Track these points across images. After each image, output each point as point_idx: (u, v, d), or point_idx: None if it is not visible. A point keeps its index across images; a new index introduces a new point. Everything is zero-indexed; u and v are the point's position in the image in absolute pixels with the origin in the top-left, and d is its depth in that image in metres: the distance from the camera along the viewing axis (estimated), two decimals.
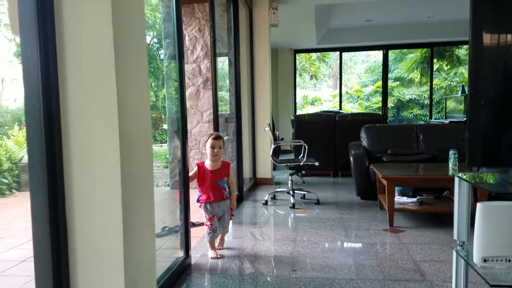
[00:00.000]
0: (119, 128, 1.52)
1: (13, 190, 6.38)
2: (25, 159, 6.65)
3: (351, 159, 5.28)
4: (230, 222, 3.53)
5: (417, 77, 15.04)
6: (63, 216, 1.53)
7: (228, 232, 3.50)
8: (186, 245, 3.16)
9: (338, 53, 10.63)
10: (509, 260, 1.64)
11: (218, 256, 3.28)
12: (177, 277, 2.87)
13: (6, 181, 6.33)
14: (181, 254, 3.13)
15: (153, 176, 1.94)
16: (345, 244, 3.63)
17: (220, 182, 3.29)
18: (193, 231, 3.45)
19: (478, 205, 1.66)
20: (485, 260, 1.66)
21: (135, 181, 1.67)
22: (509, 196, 1.61)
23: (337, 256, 3.34)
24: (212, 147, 3.24)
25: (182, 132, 3.17)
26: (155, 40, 11.61)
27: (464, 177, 1.85)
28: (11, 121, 10.64)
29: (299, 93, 15.15)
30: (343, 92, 12.19)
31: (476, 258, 1.68)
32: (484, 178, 1.86)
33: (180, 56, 3.06)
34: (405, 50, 14.48)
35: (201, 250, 3.42)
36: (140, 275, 1.73)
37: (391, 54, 14.39)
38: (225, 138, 6.02)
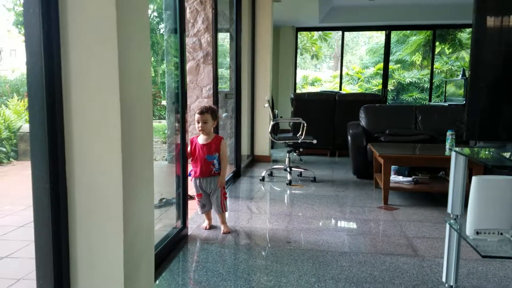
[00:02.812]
0: (120, 92, 1.52)
1: (11, 159, 6.40)
2: (23, 128, 6.65)
3: (349, 138, 5.30)
4: (227, 201, 3.36)
5: (418, 60, 14.95)
6: (63, 179, 1.53)
7: (223, 212, 3.29)
8: (183, 216, 3.20)
9: (340, 33, 10.53)
10: (501, 233, 1.68)
11: (207, 227, 3.30)
12: (174, 246, 2.92)
13: (4, 149, 6.34)
14: (178, 224, 3.17)
15: (153, 145, 1.95)
16: (340, 220, 3.67)
17: (208, 157, 3.20)
18: (190, 203, 3.48)
19: (474, 178, 1.68)
20: (477, 233, 1.69)
21: (135, 147, 1.68)
22: (505, 170, 1.63)
23: (331, 231, 3.38)
24: (197, 121, 3.18)
25: (182, 106, 3.16)
26: (155, 13, 11.45)
27: (461, 151, 1.87)
28: (9, 91, 10.60)
29: (300, 73, 15.07)
30: (343, 73, 12.13)
31: (469, 231, 1.72)
32: (481, 153, 1.88)
33: (181, 29, 3.03)
34: (408, 32, 14.35)
35: (198, 222, 3.46)
36: (138, 240, 1.76)
37: (394, 36, 14.26)
38: (224, 114, 6.02)
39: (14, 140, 6.60)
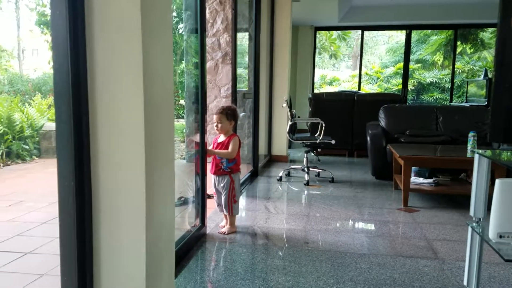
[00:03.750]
0: (144, 92, 1.54)
1: (33, 156, 6.54)
2: (46, 126, 6.79)
3: (368, 138, 5.25)
4: (237, 205, 3.27)
5: (439, 60, 14.71)
6: (88, 177, 1.57)
7: (232, 214, 3.24)
8: (202, 215, 3.22)
9: (359, 32, 10.44)
10: None
11: (222, 231, 3.24)
12: (192, 244, 2.94)
13: (27, 147, 6.49)
14: (197, 222, 3.20)
15: (174, 142, 1.97)
16: (358, 221, 3.65)
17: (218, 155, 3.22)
18: (208, 202, 3.50)
19: (497, 181, 1.65)
20: (500, 236, 1.66)
21: (157, 145, 1.70)
22: None
23: (349, 232, 3.36)
24: (215, 121, 3.26)
25: (201, 106, 3.18)
26: (174, 14, 11.55)
27: (484, 153, 1.84)
28: (32, 90, 10.84)
29: (317, 72, 14.99)
30: (362, 72, 12.02)
31: (491, 234, 1.69)
32: (503, 155, 1.85)
33: (202, 29, 3.05)
34: (429, 31, 14.13)
35: (216, 221, 3.47)
36: (160, 238, 1.78)
37: (414, 35, 14.07)
38: (242, 114, 6.03)
39: (37, 138, 6.74)
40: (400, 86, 12.31)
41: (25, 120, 6.67)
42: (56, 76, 1.45)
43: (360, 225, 3.59)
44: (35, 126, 6.79)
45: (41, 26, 12.68)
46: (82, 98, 1.51)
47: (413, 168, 4.24)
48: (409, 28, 10.09)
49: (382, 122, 5.56)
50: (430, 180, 4.24)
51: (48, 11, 11.95)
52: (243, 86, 6.19)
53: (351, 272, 2.56)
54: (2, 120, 6.28)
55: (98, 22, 1.50)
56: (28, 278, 2.42)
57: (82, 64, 1.51)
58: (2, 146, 6.06)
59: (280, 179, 5.14)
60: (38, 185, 4.99)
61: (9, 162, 6.09)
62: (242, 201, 4.12)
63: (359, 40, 10.51)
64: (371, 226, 3.50)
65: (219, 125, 3.20)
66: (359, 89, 10.75)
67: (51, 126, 6.80)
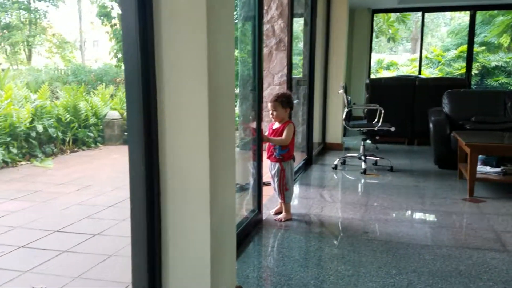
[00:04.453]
0: (208, 80, 1.57)
1: (98, 143, 6.89)
2: (109, 115, 7.11)
3: (431, 125, 5.02)
4: (289, 193, 3.27)
5: (506, 42, 13.73)
6: (156, 163, 1.63)
7: (285, 202, 3.24)
8: (258, 201, 3.24)
9: (419, 14, 9.95)
10: None
11: (278, 218, 3.23)
12: (249, 230, 2.97)
13: (91, 134, 6.84)
14: (253, 209, 3.23)
15: (235, 128, 1.99)
16: (420, 211, 3.52)
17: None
18: (264, 189, 3.51)
19: None
20: None
21: (220, 132, 1.73)
22: None
23: (411, 222, 3.26)
24: (270, 109, 3.24)
25: (258, 94, 3.18)
26: None
27: None
28: (94, 80, 11.38)
29: (374, 56, 14.49)
30: (422, 56, 11.46)
31: None
32: None
33: (259, 16, 3.03)
34: (495, 12, 13.20)
35: (271, 208, 3.48)
36: (223, 219, 1.82)
37: (478, 16, 13.19)
38: (295, 101, 5.97)
39: (101, 126, 7.09)
40: (463, 70, 11.65)
41: (90, 109, 7.03)
42: (127, 65, 1.51)
43: (422, 215, 3.47)
44: (99, 115, 7.13)
45: (102, 17, 13.23)
46: (150, 87, 1.55)
47: (479, 156, 4.00)
48: (473, 9, 9.46)
49: (446, 108, 5.29)
50: (498, 169, 3.99)
51: (108, 3, 12.44)
52: (296, 73, 6.11)
53: (414, 263, 2.47)
54: (69, 108, 6.64)
55: (166, 11, 1.53)
56: (98, 258, 2.57)
57: (151, 54, 1.55)
58: (69, 133, 6.43)
59: (335, 167, 5.05)
60: (103, 170, 5.25)
61: (75, 149, 6.46)
62: (297, 189, 4.10)
63: (419, 22, 10.02)
64: (434, 217, 3.36)
65: (274, 113, 3.19)
66: (419, 73, 10.28)
67: (113, 114, 7.12)
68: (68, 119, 6.49)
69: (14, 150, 5.39)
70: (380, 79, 7.12)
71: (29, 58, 16.42)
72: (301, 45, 6.08)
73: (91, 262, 2.51)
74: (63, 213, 3.45)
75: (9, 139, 5.41)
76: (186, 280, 1.73)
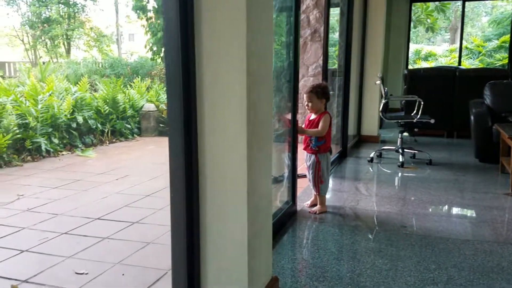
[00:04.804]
0: (247, 71, 1.58)
1: (134, 134, 7.05)
2: (145, 107, 7.26)
3: (472, 118, 4.84)
4: (325, 185, 3.22)
5: None
6: (195, 154, 1.66)
7: (320, 194, 3.21)
8: (293, 193, 3.23)
9: (459, 3, 9.58)
10: None
11: (313, 211, 3.21)
12: (284, 221, 2.97)
13: (129, 126, 7.00)
14: (288, 200, 3.22)
15: (272, 119, 1.98)
16: (460, 206, 3.41)
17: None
18: (299, 181, 3.49)
19: None
20: None
21: (258, 123, 1.73)
22: None
23: (451, 217, 3.17)
24: (304, 101, 3.21)
25: (293, 85, 3.16)
26: None
27: None
28: (130, 73, 11.62)
29: (411, 47, 14.10)
30: (462, 46, 11.04)
31: None
32: None
33: (296, 6, 3.00)
34: None
35: (305, 200, 3.46)
36: (260, 208, 1.83)
37: None
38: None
39: (137, 118, 7.24)
40: (505, 61, 11.16)
41: (127, 101, 7.19)
42: (167, 58, 1.54)
43: (462, 210, 3.36)
44: (136, 107, 7.29)
45: (137, 11, 13.47)
46: (190, 79, 1.57)
47: None
48: None
49: (488, 100, 5.08)
50: None
51: None
52: (330, 64, 6.02)
53: (454, 258, 2.41)
54: (108, 101, 6.82)
55: (206, 3, 1.54)
56: (137, 245, 2.64)
57: (191, 47, 1.57)
58: (107, 125, 6.61)
59: (371, 160, 4.96)
60: (139, 161, 5.38)
61: (113, 140, 6.64)
62: (331, 182, 4.05)
63: (459, 12, 9.64)
64: (474, 212, 3.25)
65: (309, 104, 3.16)
66: (459, 64, 9.92)
67: (149, 106, 7.26)
68: (107, 111, 6.67)
69: (56, 141, 5.59)
70: (419, 70, 6.92)
71: (68, 51, 16.94)
72: (335, 35, 5.98)
73: (131, 249, 2.58)
74: (103, 202, 3.56)
75: (51, 129, 5.62)
76: (224, 269, 1.75)
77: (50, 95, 5.97)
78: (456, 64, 10.01)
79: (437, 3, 13.66)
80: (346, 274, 2.23)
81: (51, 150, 5.44)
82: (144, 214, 3.22)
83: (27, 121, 5.36)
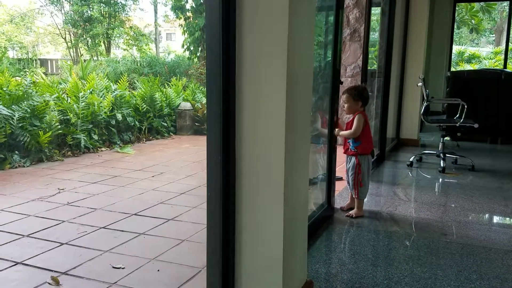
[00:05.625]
0: (287, 73, 1.56)
1: (170, 133, 7.16)
2: (181, 106, 7.35)
3: None
4: (364, 189, 3.14)
5: None
6: (233, 152, 1.65)
7: (359, 198, 3.13)
8: (329, 196, 3.17)
9: (506, 3, 9.16)
10: None
11: (349, 214, 3.14)
12: (319, 224, 2.92)
13: (165, 124, 7.11)
14: (323, 203, 3.17)
15: (310, 120, 1.95)
16: (505, 215, 3.25)
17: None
18: (336, 184, 3.42)
19: None
20: None
21: (295, 123, 1.70)
22: None
23: (494, 226, 3.03)
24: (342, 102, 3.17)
25: (332, 85, 3.11)
26: None
27: None
28: (167, 72, 11.83)
29: (454, 48, 13.62)
30: (509, 48, 10.56)
31: None
32: None
33: (339, 5, 2.94)
34: None
35: (340, 203, 3.38)
36: (296, 212, 1.80)
37: None
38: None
39: (174, 116, 7.35)
40: None
41: (164, 99, 7.31)
42: (209, 56, 1.53)
43: (506, 219, 3.20)
44: (172, 105, 7.40)
45: (176, 11, 13.69)
46: (230, 77, 1.56)
47: None
48: None
49: None
50: None
51: None
52: (369, 64, 5.89)
53: (497, 269, 2.29)
54: (145, 99, 6.96)
55: (248, 4, 1.53)
56: (172, 242, 2.66)
57: (232, 45, 1.56)
58: (145, 122, 6.74)
59: (411, 164, 4.82)
60: (175, 159, 5.44)
61: (150, 137, 6.76)
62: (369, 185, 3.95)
63: (505, 12, 9.22)
64: None
65: (345, 105, 3.11)
66: (505, 67, 9.49)
67: (185, 105, 7.35)
68: (144, 109, 6.80)
69: (95, 137, 5.75)
70: (462, 72, 6.66)
71: (108, 50, 17.42)
72: (375, 35, 5.85)
73: (166, 245, 2.61)
74: (139, 198, 3.62)
75: (91, 126, 5.78)
76: (258, 270, 1.73)
77: (91, 92, 6.15)
78: (501, 67, 9.58)
79: (482, 3, 13.13)
80: (383, 281, 2.16)
81: (91, 146, 5.60)
82: (179, 211, 3.25)
83: (68, 117, 5.54)
